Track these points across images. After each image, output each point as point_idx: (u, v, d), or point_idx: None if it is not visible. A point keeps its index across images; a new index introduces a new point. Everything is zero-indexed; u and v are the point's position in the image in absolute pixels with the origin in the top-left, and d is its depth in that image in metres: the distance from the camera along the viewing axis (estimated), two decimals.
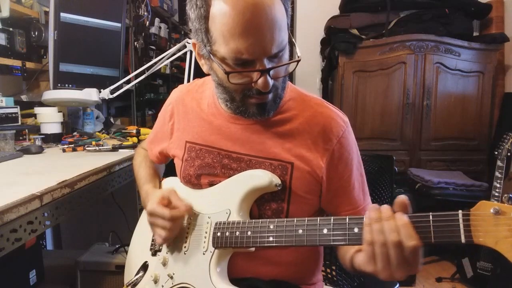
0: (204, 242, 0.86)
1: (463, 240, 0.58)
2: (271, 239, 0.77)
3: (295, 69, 0.79)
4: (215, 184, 0.90)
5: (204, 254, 0.85)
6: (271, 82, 0.75)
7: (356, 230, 0.68)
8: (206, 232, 0.86)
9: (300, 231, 0.74)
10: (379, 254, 0.63)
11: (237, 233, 0.81)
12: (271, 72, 0.74)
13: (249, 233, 0.79)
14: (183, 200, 0.88)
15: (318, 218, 0.73)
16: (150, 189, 0.98)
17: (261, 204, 0.86)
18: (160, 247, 0.96)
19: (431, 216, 0.61)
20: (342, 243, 0.70)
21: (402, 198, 0.64)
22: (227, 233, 0.82)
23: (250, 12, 0.69)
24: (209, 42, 0.75)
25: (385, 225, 0.63)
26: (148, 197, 0.94)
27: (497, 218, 0.56)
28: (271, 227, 0.77)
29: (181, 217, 0.86)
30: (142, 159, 1.12)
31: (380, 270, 0.64)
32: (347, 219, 0.69)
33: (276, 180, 0.82)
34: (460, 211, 0.59)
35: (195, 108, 0.96)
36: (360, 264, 0.69)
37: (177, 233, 0.89)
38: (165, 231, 0.85)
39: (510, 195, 0.57)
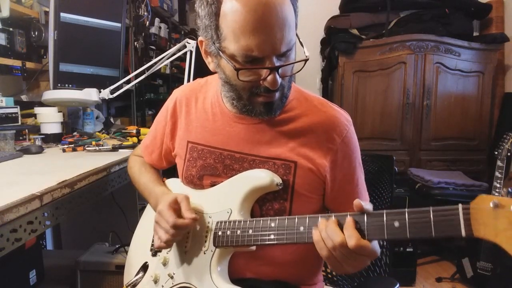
0: (205, 241, 0.86)
1: (463, 233, 0.59)
2: (272, 237, 0.77)
3: (302, 68, 0.80)
4: (217, 184, 0.90)
5: (205, 253, 0.85)
6: (279, 80, 0.76)
7: (357, 225, 0.68)
8: (207, 232, 0.86)
9: (302, 228, 0.74)
10: (328, 257, 0.69)
11: (238, 232, 0.81)
12: (280, 70, 0.75)
13: (250, 231, 0.79)
14: (192, 210, 0.85)
15: (319, 215, 0.73)
16: (166, 190, 0.96)
17: (263, 204, 0.87)
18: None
19: (431, 211, 0.62)
20: None
21: (356, 201, 0.68)
22: (228, 232, 0.82)
23: (262, 10, 0.70)
24: (219, 39, 0.75)
25: (329, 230, 0.68)
26: (163, 197, 0.91)
27: (496, 211, 0.56)
28: (272, 225, 0.77)
29: (184, 228, 0.84)
30: (141, 166, 1.09)
31: (332, 268, 0.71)
32: (348, 215, 0.69)
33: (277, 180, 0.82)
34: (460, 205, 0.60)
35: (198, 107, 0.96)
36: None
37: (178, 240, 0.88)
38: (166, 235, 0.84)
39: (510, 190, 0.58)
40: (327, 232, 0.68)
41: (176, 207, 0.86)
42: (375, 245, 0.69)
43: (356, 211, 0.69)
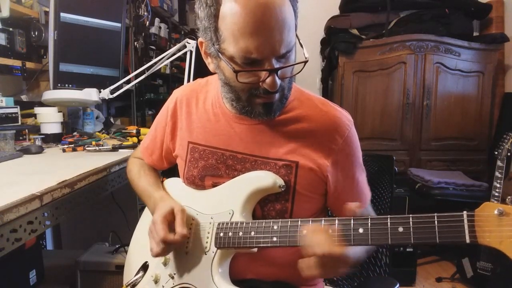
0: (207, 242, 0.86)
1: (467, 240, 0.59)
2: (274, 239, 0.77)
3: (301, 70, 0.80)
4: (219, 185, 0.90)
5: (206, 254, 0.85)
6: (278, 82, 0.75)
7: (361, 230, 0.69)
8: (208, 233, 0.86)
9: (305, 231, 0.74)
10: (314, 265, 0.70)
11: (240, 233, 0.81)
12: (279, 72, 0.75)
13: (252, 233, 0.79)
14: (185, 224, 0.85)
15: (323, 219, 0.73)
16: (164, 196, 0.95)
17: (264, 205, 0.87)
18: None
19: (436, 217, 0.62)
20: (346, 243, 0.70)
21: (347, 205, 0.70)
22: (230, 234, 0.82)
23: (261, 12, 0.69)
24: (218, 40, 0.75)
25: (314, 240, 0.70)
26: (159, 204, 0.90)
27: (501, 219, 0.57)
28: (275, 227, 0.77)
29: (173, 244, 0.83)
30: (140, 168, 1.08)
31: (318, 275, 0.71)
32: (352, 220, 0.69)
33: (280, 182, 0.82)
34: (464, 212, 0.60)
35: (199, 108, 0.96)
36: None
37: (170, 251, 0.88)
38: (157, 248, 0.83)
39: None
40: (313, 241, 0.70)
41: (170, 219, 0.85)
42: (350, 252, 0.70)
43: (350, 215, 0.70)
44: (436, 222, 0.62)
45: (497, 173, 2.12)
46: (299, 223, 0.75)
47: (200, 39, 0.83)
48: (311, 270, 0.70)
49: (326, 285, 1.17)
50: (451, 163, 2.93)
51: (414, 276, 2.42)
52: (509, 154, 2.14)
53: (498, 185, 2.10)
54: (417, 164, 2.90)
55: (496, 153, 2.16)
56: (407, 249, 2.37)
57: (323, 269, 0.69)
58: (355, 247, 0.72)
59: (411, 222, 0.64)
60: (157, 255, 0.85)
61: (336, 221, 0.71)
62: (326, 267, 0.69)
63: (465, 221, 0.59)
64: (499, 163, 2.13)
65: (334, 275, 0.72)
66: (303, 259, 0.71)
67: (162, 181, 1.06)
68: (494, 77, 2.91)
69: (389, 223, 0.66)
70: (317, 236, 0.70)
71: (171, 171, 1.10)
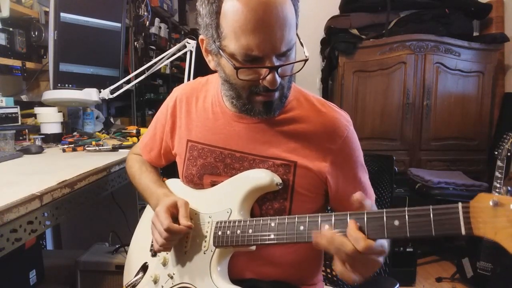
0: (205, 241, 0.86)
1: (463, 231, 0.59)
2: (272, 236, 0.77)
3: (301, 68, 0.80)
4: (217, 184, 0.90)
5: (204, 253, 0.85)
6: (278, 79, 0.76)
7: (358, 226, 0.68)
8: (207, 232, 0.86)
9: (302, 227, 0.74)
10: (349, 266, 0.66)
11: (238, 231, 0.81)
12: (279, 70, 0.75)
13: (250, 231, 0.79)
14: (189, 217, 0.86)
15: (320, 214, 0.73)
16: (168, 192, 0.96)
17: (263, 203, 0.87)
18: None
19: (431, 210, 0.62)
20: None
21: (356, 194, 0.67)
22: (228, 232, 0.82)
23: (262, 10, 0.70)
24: (219, 37, 0.76)
25: (335, 241, 0.66)
26: (163, 198, 0.91)
27: (496, 209, 0.57)
28: (272, 224, 0.77)
29: (178, 233, 0.84)
30: (141, 165, 1.08)
31: (346, 279, 0.68)
32: (348, 215, 0.69)
33: (277, 179, 0.83)
34: (459, 204, 0.60)
35: (199, 106, 0.96)
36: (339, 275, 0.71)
37: (174, 244, 0.88)
38: (160, 238, 0.84)
39: (509, 188, 0.59)
40: (335, 246, 0.66)
41: (173, 211, 0.86)
42: (382, 241, 0.68)
43: (357, 204, 0.68)
44: (431, 215, 0.61)
45: (497, 173, 2.12)
46: (296, 220, 0.75)
47: (201, 37, 0.83)
48: (349, 274, 0.67)
49: (326, 285, 1.17)
50: (451, 163, 2.93)
51: (414, 276, 2.42)
52: (509, 154, 2.14)
53: (498, 185, 2.10)
54: (417, 164, 2.90)
55: (496, 153, 2.16)
56: (407, 249, 2.37)
57: (360, 267, 0.66)
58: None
59: (406, 216, 0.63)
60: (162, 246, 0.85)
61: (333, 217, 0.71)
62: (361, 263, 0.66)
63: (460, 212, 0.59)
64: (499, 163, 2.13)
65: (375, 268, 0.68)
66: (336, 265, 0.68)
67: (163, 181, 1.06)
68: (494, 77, 2.91)
69: (385, 217, 0.65)
70: (339, 238, 0.66)
71: (171, 170, 1.10)
